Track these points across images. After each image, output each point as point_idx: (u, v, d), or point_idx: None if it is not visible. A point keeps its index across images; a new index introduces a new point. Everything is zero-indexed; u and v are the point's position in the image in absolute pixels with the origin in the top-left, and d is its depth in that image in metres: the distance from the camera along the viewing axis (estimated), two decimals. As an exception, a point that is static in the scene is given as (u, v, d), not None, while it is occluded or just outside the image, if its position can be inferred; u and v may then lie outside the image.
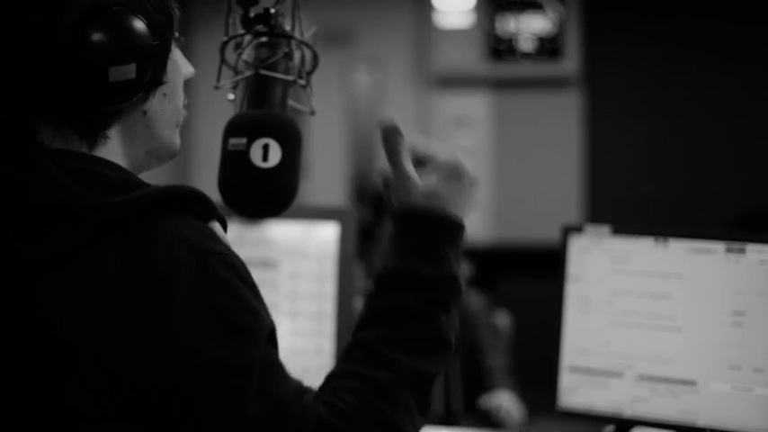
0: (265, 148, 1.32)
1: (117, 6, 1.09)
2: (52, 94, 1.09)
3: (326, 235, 1.97)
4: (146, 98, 1.15)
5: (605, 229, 1.86)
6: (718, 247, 1.76)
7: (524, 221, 4.65)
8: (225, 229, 1.15)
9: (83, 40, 1.07)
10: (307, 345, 1.94)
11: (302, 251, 1.97)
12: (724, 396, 1.74)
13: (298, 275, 1.96)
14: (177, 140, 1.23)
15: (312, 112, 1.46)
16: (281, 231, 1.97)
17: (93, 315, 1.01)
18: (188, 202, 1.10)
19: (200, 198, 1.11)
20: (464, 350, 3.23)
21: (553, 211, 5.43)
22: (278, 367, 1.09)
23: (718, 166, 5.43)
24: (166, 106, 1.19)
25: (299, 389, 1.11)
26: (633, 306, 1.82)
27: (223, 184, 1.35)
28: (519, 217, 4.59)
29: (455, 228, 1.24)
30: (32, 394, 1.01)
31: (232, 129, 1.35)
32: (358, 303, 2.29)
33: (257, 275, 1.94)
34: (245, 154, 1.31)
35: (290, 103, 1.42)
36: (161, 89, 1.17)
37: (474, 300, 3.33)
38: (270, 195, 1.34)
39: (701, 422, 1.76)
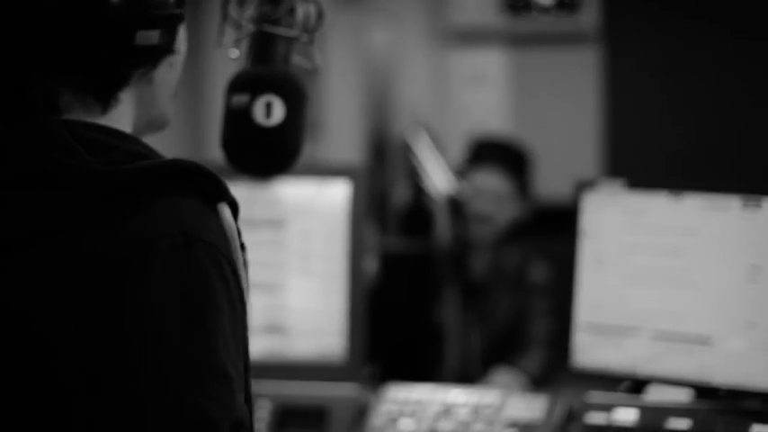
0: (268, 105, 1.31)
1: None
2: (76, 57, 1.08)
3: (337, 193, 1.95)
4: (155, 66, 1.15)
5: (619, 182, 1.83)
6: (734, 201, 1.73)
7: (542, 179, 4.59)
8: (236, 212, 1.11)
9: (113, 3, 1.07)
10: (318, 304, 1.92)
11: (312, 210, 1.95)
12: (740, 353, 1.71)
13: (308, 235, 1.94)
14: (172, 111, 1.21)
15: (317, 69, 1.43)
16: (290, 190, 1.95)
17: (68, 289, 1.00)
18: (197, 180, 1.07)
19: (209, 177, 1.08)
20: (513, 316, 3.20)
21: (571, 168, 5.37)
22: (224, 379, 1.02)
23: (745, 122, 5.35)
24: (169, 76, 1.18)
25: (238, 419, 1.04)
26: (648, 262, 1.79)
27: (225, 142, 1.34)
28: (536, 174, 4.52)
29: None
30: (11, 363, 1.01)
31: (235, 86, 1.33)
32: (369, 262, 2.27)
33: (267, 235, 1.93)
34: (247, 111, 1.30)
35: (295, 60, 1.39)
36: (169, 59, 1.16)
37: (537, 271, 3.28)
38: (273, 153, 1.32)
39: (716, 380, 1.73)
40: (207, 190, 1.07)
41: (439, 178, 2.61)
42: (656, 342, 1.77)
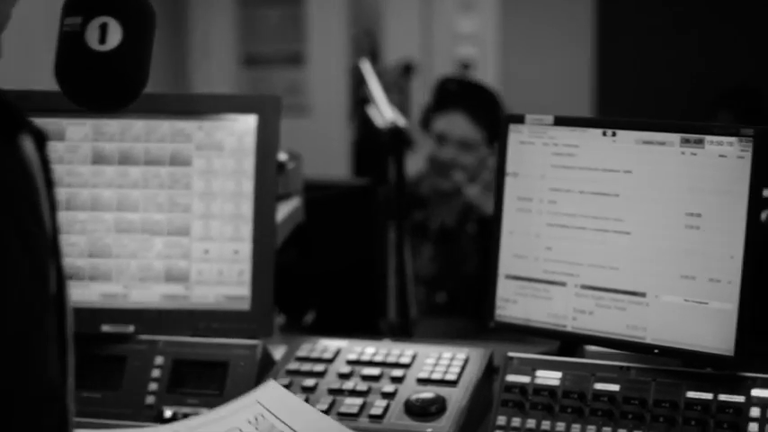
0: (103, 28, 1.16)
1: None
2: None
3: (244, 128, 1.77)
4: None
5: (548, 118, 1.64)
6: (673, 138, 1.54)
7: (530, 111, 4.42)
8: (42, 141, 0.93)
9: None
10: (222, 250, 1.76)
11: (217, 146, 1.77)
12: (675, 309, 1.54)
13: (212, 173, 1.77)
14: None
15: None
16: (192, 124, 1.78)
17: None
18: None
19: (2, 104, 0.89)
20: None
21: (561, 100, 5.19)
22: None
23: (737, 56, 5.13)
24: None
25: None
26: (577, 206, 1.60)
27: (57, 70, 1.19)
28: (525, 107, 4.35)
29: None
30: None
31: (68, 6, 1.18)
32: (296, 202, 2.09)
33: (167, 172, 1.76)
34: (79, 35, 1.16)
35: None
36: None
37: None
38: (107, 83, 1.17)
39: (649, 339, 1.56)
40: (1, 120, 0.90)
41: (387, 111, 2.43)
42: (585, 295, 1.60)
